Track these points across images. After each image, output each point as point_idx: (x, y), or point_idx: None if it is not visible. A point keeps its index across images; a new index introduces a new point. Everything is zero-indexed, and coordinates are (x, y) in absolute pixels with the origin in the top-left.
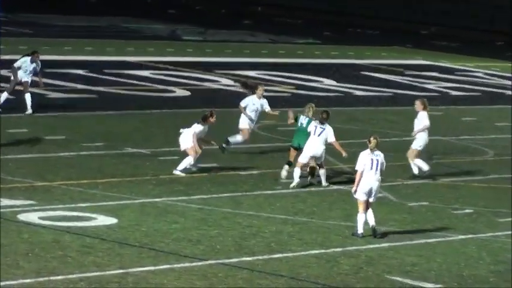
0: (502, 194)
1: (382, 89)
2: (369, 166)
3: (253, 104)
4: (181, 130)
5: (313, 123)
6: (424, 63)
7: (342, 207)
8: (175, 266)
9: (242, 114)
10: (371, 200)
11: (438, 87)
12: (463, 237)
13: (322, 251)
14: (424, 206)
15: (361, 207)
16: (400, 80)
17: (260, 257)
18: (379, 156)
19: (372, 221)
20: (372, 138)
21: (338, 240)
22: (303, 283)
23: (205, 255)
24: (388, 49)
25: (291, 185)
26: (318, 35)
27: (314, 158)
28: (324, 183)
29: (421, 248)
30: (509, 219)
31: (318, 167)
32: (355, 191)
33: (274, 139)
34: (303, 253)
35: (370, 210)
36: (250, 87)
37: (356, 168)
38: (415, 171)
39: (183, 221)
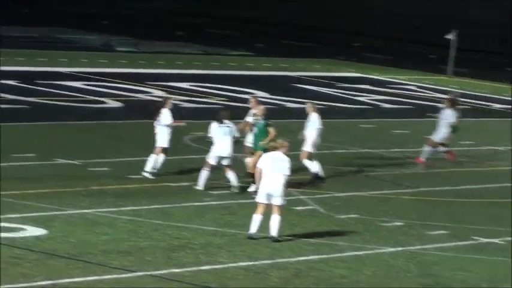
0: (431, 207)
1: (314, 101)
2: (270, 167)
3: None
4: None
5: (215, 124)
6: (356, 75)
7: None
8: (104, 277)
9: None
10: (276, 203)
11: (370, 99)
12: (392, 249)
13: (251, 263)
14: (353, 218)
15: (259, 209)
16: (332, 92)
17: (189, 269)
18: (284, 160)
19: (273, 231)
20: (280, 141)
21: (267, 252)
22: None
23: (134, 266)
24: (321, 61)
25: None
26: (250, 46)
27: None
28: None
29: (350, 261)
30: (438, 232)
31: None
32: (257, 188)
33: (204, 150)
34: (231, 265)
35: (275, 217)
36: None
37: (257, 166)
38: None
39: (112, 232)
